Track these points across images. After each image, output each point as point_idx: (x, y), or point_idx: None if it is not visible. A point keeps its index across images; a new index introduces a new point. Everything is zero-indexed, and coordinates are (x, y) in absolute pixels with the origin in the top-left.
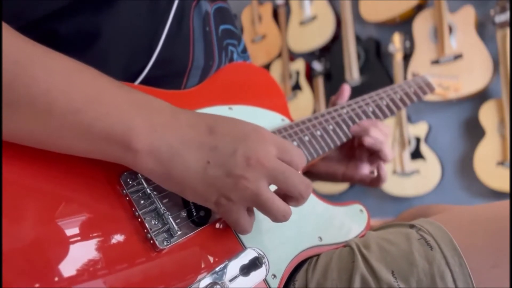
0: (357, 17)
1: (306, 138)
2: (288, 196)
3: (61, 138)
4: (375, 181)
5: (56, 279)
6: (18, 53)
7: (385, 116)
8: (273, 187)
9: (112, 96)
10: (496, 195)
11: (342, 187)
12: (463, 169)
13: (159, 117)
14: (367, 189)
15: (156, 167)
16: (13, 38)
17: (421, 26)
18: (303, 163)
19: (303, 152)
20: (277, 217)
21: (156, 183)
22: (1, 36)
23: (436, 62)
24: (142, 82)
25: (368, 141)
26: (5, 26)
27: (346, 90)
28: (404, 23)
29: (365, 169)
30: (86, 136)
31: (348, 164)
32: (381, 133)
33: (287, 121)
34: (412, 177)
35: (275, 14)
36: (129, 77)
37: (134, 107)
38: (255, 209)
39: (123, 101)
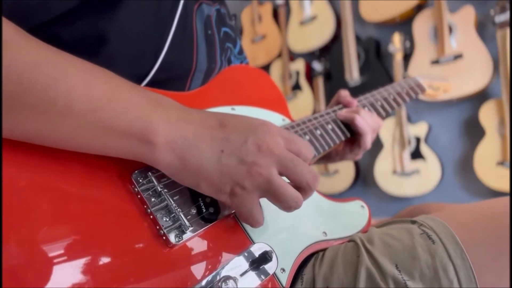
0: (357, 17)
1: (307, 137)
2: (297, 187)
3: (81, 137)
4: (361, 141)
5: (69, 273)
6: (35, 55)
7: (381, 116)
8: None
9: (128, 94)
10: (496, 195)
11: (342, 187)
12: (463, 169)
13: (173, 112)
14: (367, 189)
15: (172, 159)
16: (28, 41)
17: (421, 26)
18: (311, 155)
19: (311, 146)
20: (290, 204)
21: (172, 178)
22: (14, 38)
23: (436, 62)
24: (147, 84)
25: (359, 122)
26: (18, 29)
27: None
28: (404, 23)
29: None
30: (106, 133)
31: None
32: (367, 119)
33: (287, 121)
34: (412, 177)
35: (275, 14)
36: (134, 80)
37: (149, 103)
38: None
39: (139, 98)
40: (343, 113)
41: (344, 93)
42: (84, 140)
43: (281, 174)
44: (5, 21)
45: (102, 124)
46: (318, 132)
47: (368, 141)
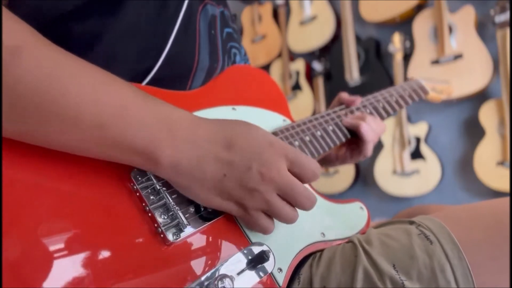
0: (357, 17)
1: (307, 138)
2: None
3: (85, 147)
4: (363, 149)
5: (66, 270)
6: (51, 62)
7: (382, 118)
8: None
9: (136, 110)
10: (496, 195)
11: (342, 187)
12: (463, 169)
13: (180, 131)
14: (367, 189)
15: (175, 177)
16: (44, 46)
17: (421, 26)
18: (315, 178)
19: (319, 165)
20: (286, 222)
21: (175, 188)
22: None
23: (436, 62)
24: (149, 82)
25: (363, 130)
26: (34, 33)
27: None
28: (404, 23)
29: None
30: (109, 148)
31: (340, 147)
32: (372, 126)
33: (288, 122)
34: (412, 177)
35: (275, 14)
36: (136, 76)
37: (156, 120)
38: None
39: (147, 114)
40: (349, 120)
41: (344, 94)
42: (89, 151)
43: (280, 196)
44: (22, 23)
45: (107, 140)
46: (319, 133)
47: (370, 148)
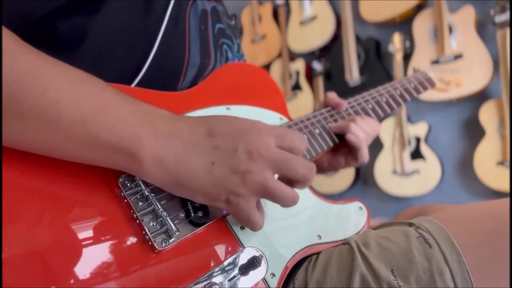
0: (357, 17)
1: (305, 136)
2: (294, 181)
3: (67, 147)
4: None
5: (54, 280)
6: (28, 63)
7: (385, 112)
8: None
9: (117, 107)
10: (496, 195)
11: (342, 187)
12: (463, 169)
13: (161, 126)
14: (367, 189)
15: (163, 174)
16: (20, 48)
17: (421, 26)
18: (305, 146)
19: (303, 136)
20: (287, 203)
21: (166, 190)
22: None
23: (436, 62)
24: (141, 80)
25: (350, 137)
26: (11, 35)
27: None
28: (404, 23)
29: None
30: (92, 146)
31: (332, 153)
32: (361, 131)
33: (285, 120)
34: (412, 177)
35: (275, 14)
36: (127, 74)
37: (138, 117)
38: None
39: (128, 112)
40: (336, 124)
41: (331, 95)
42: (72, 151)
43: (276, 173)
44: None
45: (89, 137)
46: (317, 131)
47: (364, 154)
